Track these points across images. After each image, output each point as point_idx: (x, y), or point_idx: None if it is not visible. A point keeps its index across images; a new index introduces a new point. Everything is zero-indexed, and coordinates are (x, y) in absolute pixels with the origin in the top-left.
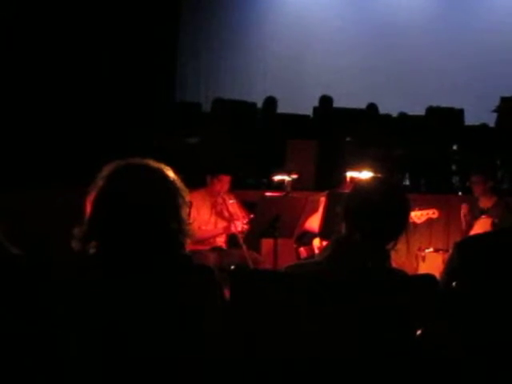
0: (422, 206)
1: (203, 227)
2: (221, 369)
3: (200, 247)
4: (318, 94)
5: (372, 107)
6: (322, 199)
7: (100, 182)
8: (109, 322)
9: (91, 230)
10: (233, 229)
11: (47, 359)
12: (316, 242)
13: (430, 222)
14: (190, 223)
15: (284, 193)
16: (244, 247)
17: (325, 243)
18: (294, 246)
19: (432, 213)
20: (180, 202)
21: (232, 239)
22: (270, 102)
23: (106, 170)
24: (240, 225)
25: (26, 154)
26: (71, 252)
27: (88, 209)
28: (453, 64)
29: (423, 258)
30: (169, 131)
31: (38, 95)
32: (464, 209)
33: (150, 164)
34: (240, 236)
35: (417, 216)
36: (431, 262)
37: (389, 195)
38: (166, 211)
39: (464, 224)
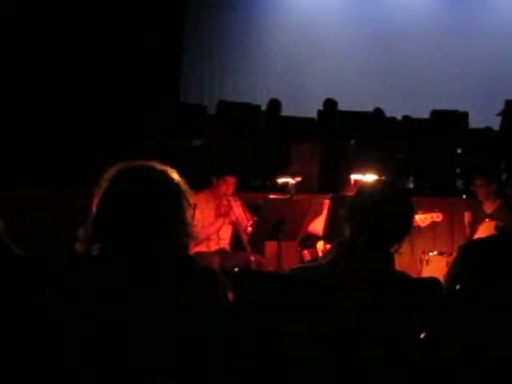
0: (426, 209)
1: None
2: (223, 370)
3: (204, 249)
4: (322, 97)
5: (378, 112)
6: (326, 202)
7: (104, 184)
8: (111, 323)
9: (95, 232)
10: (233, 217)
11: (49, 359)
12: (320, 245)
13: (433, 225)
14: (194, 225)
15: (288, 195)
16: (248, 249)
17: (328, 246)
18: (298, 248)
19: (436, 216)
20: (184, 204)
21: (236, 242)
22: (274, 104)
23: (110, 172)
24: (240, 215)
25: (30, 153)
26: (75, 253)
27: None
28: (457, 67)
29: (427, 261)
30: (173, 133)
31: (46, 98)
32: (468, 217)
33: (154, 166)
34: (241, 229)
35: (421, 219)
36: (435, 266)
37: (393, 198)
38: (170, 213)
39: (468, 231)
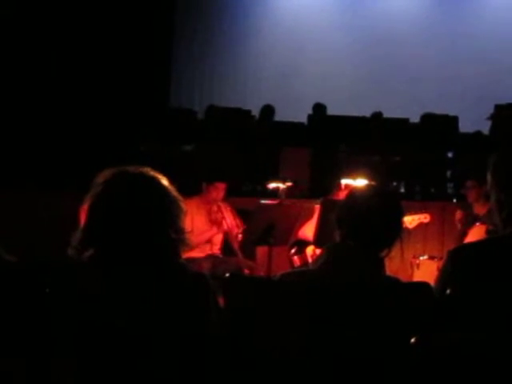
0: (414, 211)
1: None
2: (215, 375)
3: (195, 255)
4: (313, 102)
5: (375, 116)
6: (317, 207)
7: (95, 190)
8: (104, 328)
9: (87, 238)
10: (225, 226)
11: (46, 364)
12: (309, 250)
13: (424, 229)
14: (187, 232)
15: (279, 200)
16: (239, 254)
17: (318, 251)
18: (290, 253)
19: (424, 217)
20: (175, 210)
21: (227, 247)
22: (268, 110)
23: (101, 178)
24: (230, 221)
25: (21, 158)
26: (66, 258)
27: (83, 216)
28: (447, 71)
29: (418, 266)
30: (163, 138)
31: (38, 100)
32: (459, 214)
33: (144, 172)
34: (232, 235)
35: (408, 221)
36: (426, 270)
37: (383, 203)
38: (161, 219)
39: (460, 227)
